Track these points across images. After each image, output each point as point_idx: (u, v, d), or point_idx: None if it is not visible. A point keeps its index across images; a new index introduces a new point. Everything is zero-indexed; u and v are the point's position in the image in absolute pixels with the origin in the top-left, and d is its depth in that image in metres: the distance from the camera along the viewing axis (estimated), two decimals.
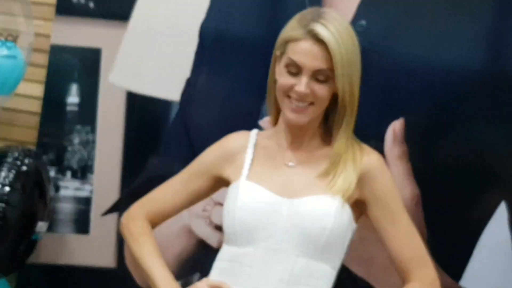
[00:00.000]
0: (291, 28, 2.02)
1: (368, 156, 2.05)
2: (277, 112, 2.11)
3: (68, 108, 2.95)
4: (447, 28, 2.68)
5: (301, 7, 2.59)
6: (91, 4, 2.93)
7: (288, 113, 2.00)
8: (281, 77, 1.99)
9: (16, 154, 2.73)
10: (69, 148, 3.02)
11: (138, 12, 2.95)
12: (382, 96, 2.72)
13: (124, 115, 2.98)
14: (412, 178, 2.60)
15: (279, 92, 2.01)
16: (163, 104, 2.94)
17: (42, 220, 2.75)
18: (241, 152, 2.11)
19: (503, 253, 2.62)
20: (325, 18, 1.98)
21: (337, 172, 2.02)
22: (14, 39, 2.72)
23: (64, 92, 2.98)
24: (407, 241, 2.03)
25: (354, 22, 2.71)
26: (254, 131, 2.15)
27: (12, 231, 2.62)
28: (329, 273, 2.04)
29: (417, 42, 2.70)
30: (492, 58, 2.68)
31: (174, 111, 2.93)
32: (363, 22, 2.71)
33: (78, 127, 3.00)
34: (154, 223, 2.20)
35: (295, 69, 1.97)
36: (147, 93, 2.95)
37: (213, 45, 2.86)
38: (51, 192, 2.82)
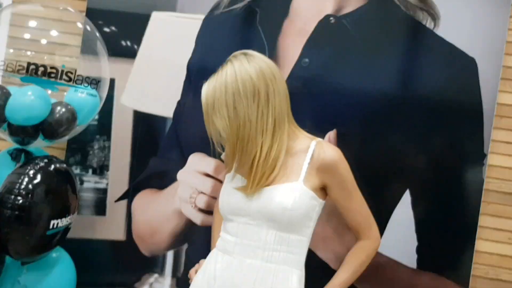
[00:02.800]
0: None
1: (325, 153, 2.12)
2: None
3: (91, 122, 3.05)
4: (370, 63, 2.91)
5: (262, 48, 2.97)
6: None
7: None
8: None
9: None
10: (91, 152, 3.25)
11: (142, 51, 3.22)
12: (321, 113, 2.92)
13: (132, 127, 3.22)
14: None
15: None
16: (160, 119, 3.18)
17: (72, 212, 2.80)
18: None
19: (407, 226, 2.94)
20: (219, 72, 2.09)
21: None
22: (96, 85, 2.87)
23: None
24: (359, 211, 2.19)
25: (300, 60, 2.94)
26: None
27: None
28: (300, 240, 2.14)
29: (347, 74, 2.93)
30: (404, 86, 2.91)
31: (168, 124, 3.17)
32: (306, 60, 2.94)
33: (98, 136, 3.24)
34: None
35: None
36: (149, 111, 3.19)
37: (197, 75, 3.08)
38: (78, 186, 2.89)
